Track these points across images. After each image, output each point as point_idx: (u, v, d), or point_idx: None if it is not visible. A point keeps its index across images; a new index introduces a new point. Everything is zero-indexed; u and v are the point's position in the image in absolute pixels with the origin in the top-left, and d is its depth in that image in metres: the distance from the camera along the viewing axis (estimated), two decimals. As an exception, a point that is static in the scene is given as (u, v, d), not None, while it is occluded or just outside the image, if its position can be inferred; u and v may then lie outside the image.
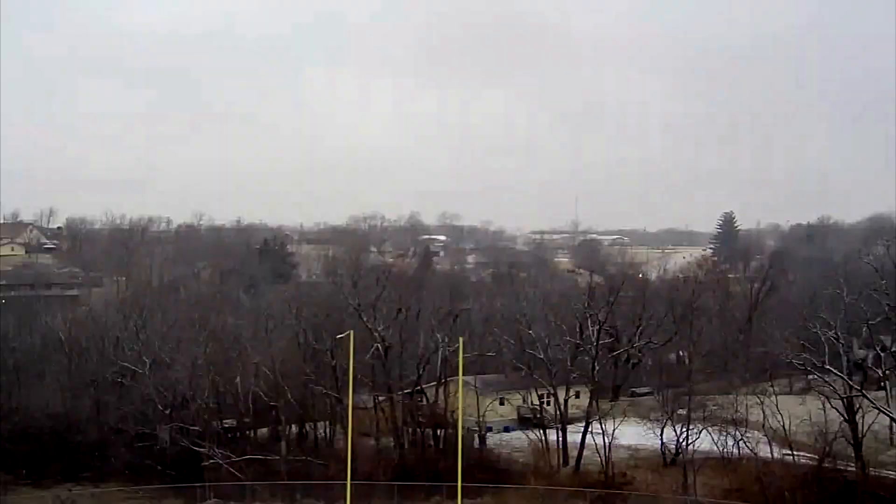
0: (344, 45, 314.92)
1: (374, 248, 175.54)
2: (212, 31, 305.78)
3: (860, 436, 48.19)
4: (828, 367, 49.81)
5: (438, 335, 59.34)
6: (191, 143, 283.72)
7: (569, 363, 59.71)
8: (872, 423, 49.08)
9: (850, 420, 48.26)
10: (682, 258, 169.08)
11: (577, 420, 58.34)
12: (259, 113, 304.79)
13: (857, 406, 48.57)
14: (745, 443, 52.40)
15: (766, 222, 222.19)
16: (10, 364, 65.07)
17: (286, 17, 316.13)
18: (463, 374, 48.94)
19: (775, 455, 51.38)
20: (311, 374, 59.65)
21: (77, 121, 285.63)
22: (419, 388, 60.57)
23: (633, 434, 57.97)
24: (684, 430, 53.91)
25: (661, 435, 55.60)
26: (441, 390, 60.50)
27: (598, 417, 56.22)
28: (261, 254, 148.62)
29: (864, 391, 49.91)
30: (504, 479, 52.74)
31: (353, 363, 44.55)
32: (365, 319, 58.60)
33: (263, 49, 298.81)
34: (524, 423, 66.32)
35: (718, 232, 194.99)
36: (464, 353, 46.91)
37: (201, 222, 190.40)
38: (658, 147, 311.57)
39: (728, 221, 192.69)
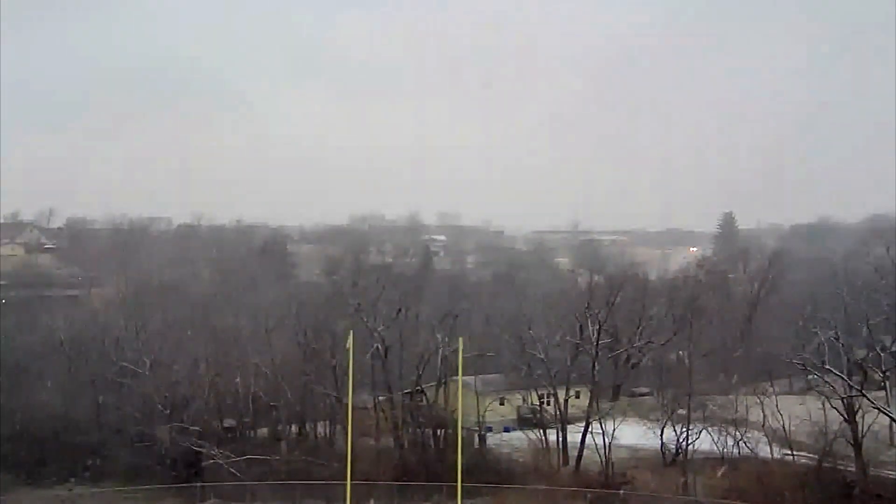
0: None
1: (373, 248, 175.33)
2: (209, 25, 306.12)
3: (860, 436, 48.17)
4: (828, 367, 49.77)
5: (438, 335, 59.30)
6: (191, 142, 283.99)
7: (569, 363, 59.67)
8: (872, 423, 49.04)
9: (850, 420, 48.25)
10: (682, 258, 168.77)
11: (577, 420, 58.28)
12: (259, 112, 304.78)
13: (857, 406, 48.55)
14: (745, 443, 52.48)
15: (766, 222, 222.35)
16: (10, 364, 64.93)
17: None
18: (463, 374, 49.02)
19: (775, 455, 51.43)
20: (311, 374, 59.65)
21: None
22: (419, 388, 60.55)
23: (633, 434, 57.95)
24: (684, 430, 53.95)
25: (661, 435, 55.63)
26: (441, 390, 60.50)
27: (598, 417, 56.22)
28: (261, 254, 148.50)
29: (864, 391, 49.84)
30: (504, 479, 52.63)
31: (353, 363, 44.58)
32: (365, 319, 58.59)
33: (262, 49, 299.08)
34: (524, 423, 66.29)
35: (718, 232, 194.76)
36: (464, 353, 46.87)
37: (201, 222, 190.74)
38: (658, 147, 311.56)
39: (728, 221, 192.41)
